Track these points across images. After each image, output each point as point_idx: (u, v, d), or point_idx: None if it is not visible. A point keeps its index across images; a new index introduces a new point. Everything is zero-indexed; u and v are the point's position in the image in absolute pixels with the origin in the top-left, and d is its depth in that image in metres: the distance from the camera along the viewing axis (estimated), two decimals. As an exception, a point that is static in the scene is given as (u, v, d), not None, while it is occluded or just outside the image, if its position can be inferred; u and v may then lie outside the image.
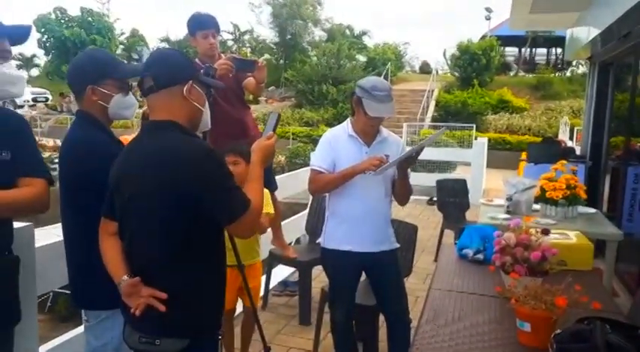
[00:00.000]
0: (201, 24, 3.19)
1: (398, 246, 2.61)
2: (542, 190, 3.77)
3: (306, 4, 28.55)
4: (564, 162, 4.02)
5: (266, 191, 2.96)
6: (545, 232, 2.08)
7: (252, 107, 3.33)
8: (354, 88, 2.46)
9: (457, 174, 11.12)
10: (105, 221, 1.65)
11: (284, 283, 4.23)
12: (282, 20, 28.11)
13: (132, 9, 70.13)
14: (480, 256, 2.63)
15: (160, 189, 1.46)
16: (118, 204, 1.58)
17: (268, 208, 2.93)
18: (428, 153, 10.72)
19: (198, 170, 1.46)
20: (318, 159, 2.48)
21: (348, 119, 2.56)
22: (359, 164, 2.37)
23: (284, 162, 14.80)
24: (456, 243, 2.97)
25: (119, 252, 1.60)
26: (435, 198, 6.43)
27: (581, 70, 21.05)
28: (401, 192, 2.55)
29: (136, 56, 26.81)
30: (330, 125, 18.90)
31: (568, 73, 23.79)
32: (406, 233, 3.00)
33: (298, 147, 15.48)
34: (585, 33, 5.25)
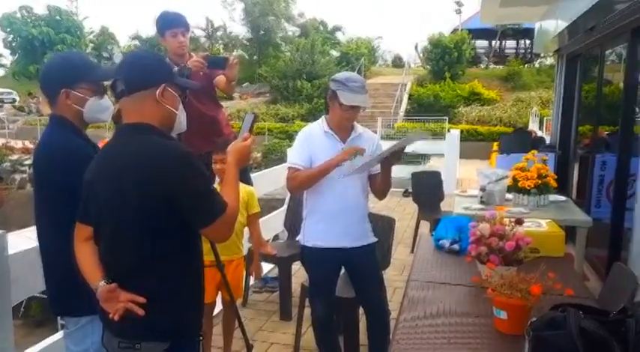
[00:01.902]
0: (170, 23, 3.15)
1: (375, 240, 2.64)
2: (515, 180, 3.85)
3: (278, 0, 28.41)
4: (535, 152, 4.12)
5: (251, 189, 2.96)
6: (519, 222, 2.13)
7: (226, 103, 3.32)
8: (329, 83, 2.49)
9: (431, 165, 11.29)
10: (79, 226, 1.62)
11: (264, 279, 4.23)
12: (254, 16, 27.93)
13: (101, 6, 68.80)
14: (456, 246, 2.68)
15: (135, 192, 1.45)
16: (92, 209, 1.56)
17: (255, 207, 2.92)
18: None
19: (173, 173, 1.45)
20: (295, 156, 2.49)
21: (323, 116, 2.58)
22: (335, 157, 2.38)
23: (260, 158, 14.76)
24: (432, 234, 3.02)
25: (94, 257, 1.58)
26: (410, 190, 6.50)
27: (549, 61, 21.50)
28: (381, 187, 2.57)
29: (106, 55, 26.26)
30: (306, 120, 18.89)
31: (536, 65, 24.29)
32: (383, 226, 3.04)
33: (274, 143, 15.45)
34: (553, 27, 5.38)
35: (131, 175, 1.45)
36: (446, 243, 2.71)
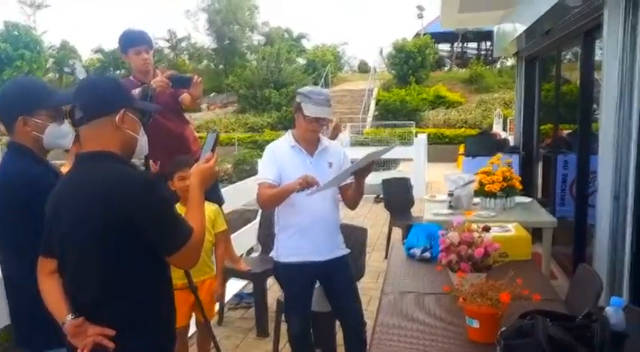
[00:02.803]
0: (133, 41, 3.12)
1: (348, 251, 2.65)
2: (481, 184, 3.94)
3: (242, 9, 28.36)
4: (500, 156, 4.22)
5: (216, 207, 2.94)
6: (486, 229, 2.18)
7: (194, 115, 3.28)
8: (295, 96, 2.53)
9: (400, 170, 11.42)
10: (43, 259, 1.58)
11: (239, 296, 4.19)
12: (218, 26, 27.79)
13: (61, 20, 67.02)
14: (427, 254, 2.72)
15: (99, 222, 1.42)
16: (55, 241, 1.52)
17: (221, 225, 2.91)
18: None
19: (137, 202, 1.43)
20: (264, 172, 2.49)
21: (289, 131, 2.60)
22: (291, 183, 2.37)
23: (231, 169, 14.61)
24: (404, 242, 3.05)
25: (59, 291, 1.54)
26: (381, 196, 6.57)
27: (510, 62, 22.08)
28: (353, 198, 2.60)
29: (68, 70, 25.55)
30: (275, 129, 18.86)
31: (498, 65, 24.90)
32: (356, 237, 3.06)
33: (244, 154, 15.31)
34: (511, 31, 5.53)
35: (94, 205, 1.42)
36: (417, 251, 2.75)
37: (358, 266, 3.03)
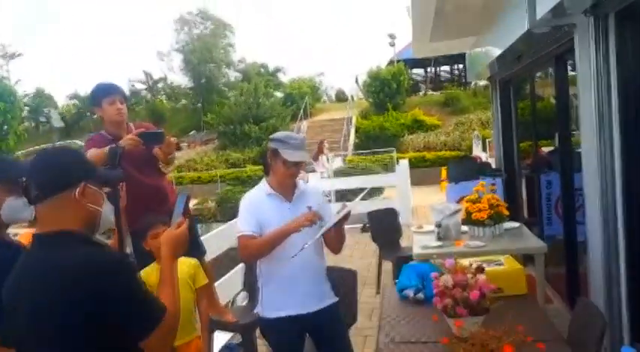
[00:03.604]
0: (107, 91, 3.07)
1: (336, 299, 2.53)
2: (468, 213, 3.88)
3: (217, 47, 28.62)
4: (484, 183, 4.19)
5: (195, 262, 2.81)
6: (480, 270, 2.10)
7: (175, 154, 3.16)
8: (267, 143, 2.47)
9: (385, 197, 11.38)
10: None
11: (228, 347, 4.00)
12: (194, 65, 27.96)
13: (35, 67, 66.95)
14: (421, 295, 2.62)
15: (60, 310, 1.29)
16: (13, 330, 1.38)
17: (202, 279, 2.78)
18: (356, 183, 10.96)
19: (105, 287, 1.30)
20: (244, 223, 2.38)
21: (263, 179, 2.52)
22: (294, 221, 2.29)
23: (214, 208, 14.40)
24: (395, 282, 2.95)
25: None
26: (367, 225, 6.48)
27: (483, 82, 22.52)
28: (335, 244, 2.51)
29: (43, 119, 25.25)
30: (257, 163, 18.76)
31: (472, 87, 25.38)
32: (346, 281, 2.93)
33: (227, 191, 15.14)
34: (483, 57, 5.60)
35: (54, 292, 1.29)
36: (410, 292, 2.65)
37: (350, 311, 2.90)
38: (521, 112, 6.00)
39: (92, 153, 2.82)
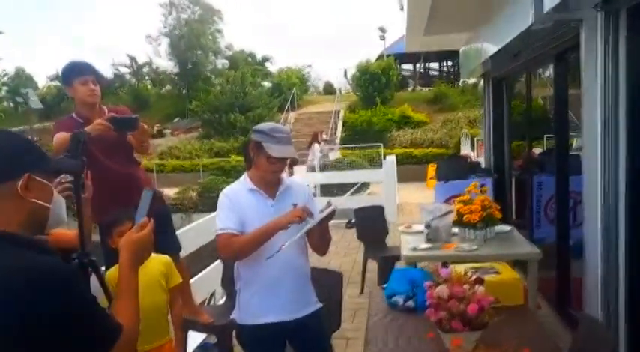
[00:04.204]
0: (80, 70, 2.85)
1: (320, 305, 2.34)
2: (460, 214, 3.72)
3: (204, 34, 28.10)
4: (476, 183, 4.03)
5: (167, 259, 2.60)
6: (479, 282, 1.92)
7: (158, 141, 2.94)
8: (250, 134, 2.25)
9: (370, 193, 11.24)
10: None
11: (203, 347, 3.80)
12: (181, 51, 27.44)
13: (16, 47, 65.34)
14: (411, 303, 2.45)
15: (3, 332, 1.05)
16: None
17: (176, 279, 2.58)
18: (342, 178, 10.80)
19: (44, 302, 1.06)
20: (224, 220, 2.16)
21: (245, 174, 2.30)
22: (282, 217, 2.09)
23: (196, 198, 14.10)
24: (383, 288, 2.77)
25: None
26: (353, 221, 6.31)
27: (472, 80, 22.49)
28: (320, 244, 2.31)
29: (20, 100, 24.47)
30: (241, 154, 18.41)
31: (460, 84, 25.35)
32: (330, 284, 2.75)
33: (210, 180, 14.84)
34: (478, 53, 5.44)
35: None
36: (400, 299, 2.47)
37: (334, 317, 2.71)
38: (514, 115, 5.86)
39: (59, 138, 2.59)
